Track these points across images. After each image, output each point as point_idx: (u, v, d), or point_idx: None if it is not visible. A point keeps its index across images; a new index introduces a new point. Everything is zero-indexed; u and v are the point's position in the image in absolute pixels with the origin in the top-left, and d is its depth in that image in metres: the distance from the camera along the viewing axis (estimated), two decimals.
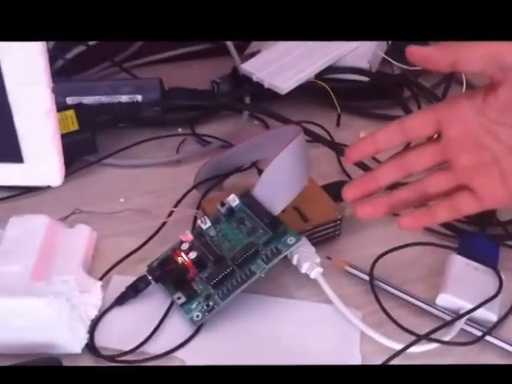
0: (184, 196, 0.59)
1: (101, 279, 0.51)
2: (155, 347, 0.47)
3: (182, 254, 0.50)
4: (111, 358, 0.46)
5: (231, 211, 0.52)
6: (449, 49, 0.41)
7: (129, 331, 0.48)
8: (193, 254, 0.50)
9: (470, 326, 0.48)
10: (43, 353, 0.45)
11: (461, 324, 0.48)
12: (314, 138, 0.64)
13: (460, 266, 0.52)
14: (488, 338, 0.48)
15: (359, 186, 0.47)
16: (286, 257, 0.49)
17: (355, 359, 0.47)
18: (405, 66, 0.74)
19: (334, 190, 0.56)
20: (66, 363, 0.44)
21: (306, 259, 0.50)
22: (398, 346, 0.46)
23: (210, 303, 0.48)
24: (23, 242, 0.50)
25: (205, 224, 0.52)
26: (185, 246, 0.50)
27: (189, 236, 0.51)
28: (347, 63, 0.74)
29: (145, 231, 0.55)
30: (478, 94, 0.43)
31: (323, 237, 0.55)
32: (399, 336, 0.47)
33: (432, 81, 0.78)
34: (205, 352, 0.47)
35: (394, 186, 0.49)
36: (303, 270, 0.50)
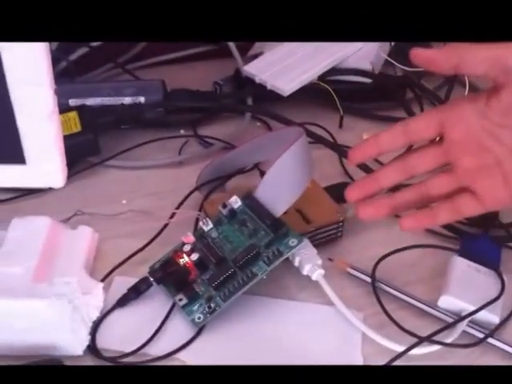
0: (186, 198, 0.59)
1: (103, 281, 0.51)
2: (157, 349, 0.47)
3: (184, 256, 0.50)
4: (113, 360, 0.46)
5: (233, 213, 0.52)
6: (452, 51, 0.41)
7: (130, 333, 0.48)
8: (194, 256, 0.50)
9: (471, 328, 0.48)
10: (45, 354, 0.45)
11: (463, 326, 0.48)
12: (316, 140, 0.64)
13: (462, 267, 0.52)
14: (490, 340, 0.48)
15: (362, 187, 0.48)
16: (287, 258, 0.49)
17: (357, 361, 0.47)
18: (407, 68, 0.74)
19: (337, 192, 0.56)
20: (67, 364, 0.43)
21: (308, 261, 0.50)
22: (400, 348, 0.46)
23: (212, 305, 0.48)
24: (25, 243, 0.49)
25: (207, 226, 0.52)
26: (187, 248, 0.50)
27: (191, 238, 0.51)
28: (350, 65, 0.74)
29: (147, 233, 0.55)
30: (481, 96, 0.43)
31: (325, 238, 0.55)
32: (401, 338, 0.47)
33: (435, 83, 0.78)
34: (206, 354, 0.47)
35: (396, 188, 0.49)
36: (305, 272, 0.50)
